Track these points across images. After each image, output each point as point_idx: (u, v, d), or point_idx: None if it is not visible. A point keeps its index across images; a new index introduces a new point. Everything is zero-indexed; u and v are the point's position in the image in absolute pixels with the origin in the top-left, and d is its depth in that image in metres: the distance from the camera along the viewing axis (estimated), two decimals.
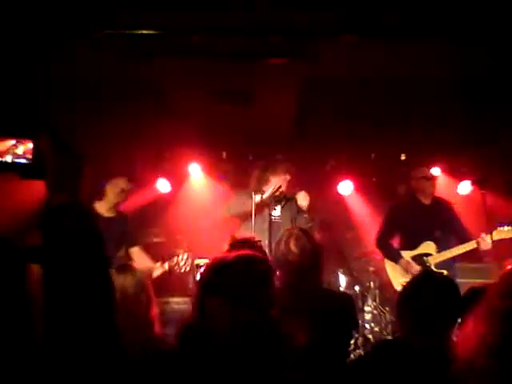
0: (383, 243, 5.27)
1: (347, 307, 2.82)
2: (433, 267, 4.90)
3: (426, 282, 2.30)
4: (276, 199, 4.81)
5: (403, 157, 6.64)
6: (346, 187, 6.87)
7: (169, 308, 5.93)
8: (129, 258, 4.83)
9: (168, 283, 5.94)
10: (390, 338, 5.63)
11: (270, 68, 4.03)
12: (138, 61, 3.80)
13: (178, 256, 4.69)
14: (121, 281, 2.77)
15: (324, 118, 5.68)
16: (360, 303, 5.91)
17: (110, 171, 6.61)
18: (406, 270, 5.00)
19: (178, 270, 4.68)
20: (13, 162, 1.32)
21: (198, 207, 6.71)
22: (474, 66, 4.30)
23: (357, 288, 6.03)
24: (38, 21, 3.21)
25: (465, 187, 6.45)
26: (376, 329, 5.85)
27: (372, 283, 6.07)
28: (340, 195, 6.93)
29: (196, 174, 6.80)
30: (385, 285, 6.25)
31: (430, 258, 4.99)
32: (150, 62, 3.85)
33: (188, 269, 4.70)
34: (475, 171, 6.13)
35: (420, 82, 4.86)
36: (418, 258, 5.02)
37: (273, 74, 4.25)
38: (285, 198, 4.86)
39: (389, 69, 4.42)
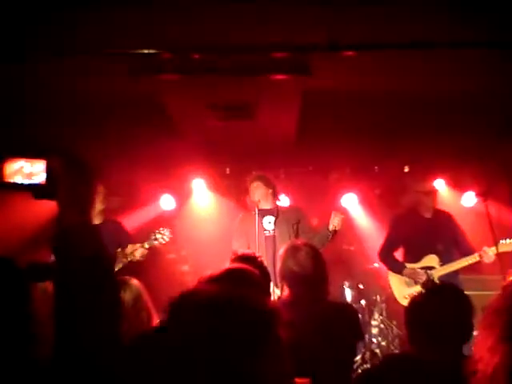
0: (386, 256, 5.30)
1: (351, 318, 2.80)
2: (436, 280, 4.87)
3: (436, 294, 2.26)
4: (263, 213, 4.80)
5: (406, 169, 6.64)
6: (349, 200, 6.87)
7: None
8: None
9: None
10: (397, 352, 5.58)
11: (271, 83, 4.05)
12: (139, 78, 3.82)
13: (157, 232, 4.82)
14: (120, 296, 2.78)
15: (326, 132, 5.70)
16: (366, 317, 5.86)
17: (112, 188, 6.67)
18: (413, 279, 5.04)
19: (158, 244, 4.75)
20: (24, 183, 1.31)
21: (203, 223, 6.71)
22: (473, 78, 4.32)
23: (363, 302, 5.99)
24: (39, 36, 3.25)
25: (469, 199, 6.45)
26: (383, 343, 5.79)
27: (378, 297, 6.03)
28: (343, 208, 6.92)
29: (200, 189, 6.81)
30: (391, 298, 6.22)
31: (433, 272, 4.98)
32: (150, 79, 3.88)
33: (167, 239, 4.87)
34: (479, 183, 6.12)
35: (422, 94, 4.88)
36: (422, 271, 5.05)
37: (274, 89, 4.27)
38: (277, 212, 4.84)
39: (391, 81, 4.45)
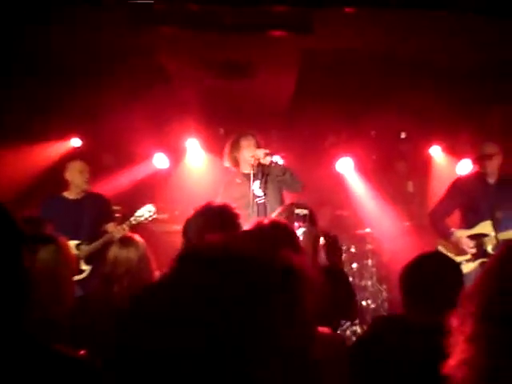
0: (437, 219, 4.80)
1: (339, 279, 2.78)
2: (489, 249, 4.49)
3: (428, 258, 2.28)
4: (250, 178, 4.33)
5: (403, 135, 6.58)
6: (344, 164, 6.83)
7: None
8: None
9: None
10: (385, 314, 5.67)
11: (270, 41, 3.95)
12: (135, 28, 3.70)
13: (141, 208, 4.60)
14: (124, 253, 2.82)
15: (324, 94, 5.61)
16: (357, 280, 5.92)
17: (106, 144, 6.60)
18: (457, 247, 4.56)
19: (145, 221, 4.60)
20: None
21: (196, 182, 6.67)
22: (475, 37, 4.22)
23: (354, 265, 6.03)
24: None
25: (465, 166, 6.39)
26: (372, 306, 5.88)
27: (370, 261, 6.08)
28: (338, 172, 6.89)
29: (194, 149, 6.75)
30: (382, 263, 6.27)
31: (487, 239, 4.53)
32: (147, 30, 3.76)
33: (154, 216, 4.63)
34: (475, 150, 6.08)
35: (421, 56, 4.80)
36: (475, 238, 4.59)
37: (273, 47, 4.16)
38: (262, 174, 4.35)
39: (391, 42, 4.34)
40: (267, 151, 4.27)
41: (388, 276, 6.06)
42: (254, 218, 4.27)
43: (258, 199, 4.37)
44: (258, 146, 4.39)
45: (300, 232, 2.67)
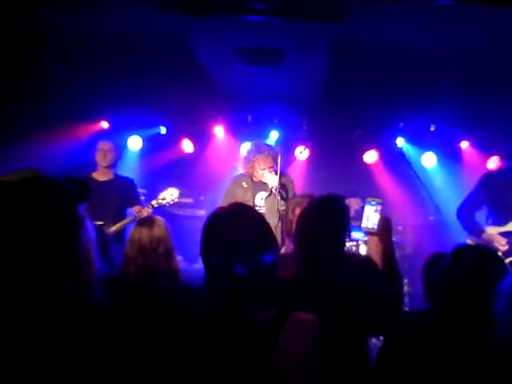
0: (465, 215, 4.61)
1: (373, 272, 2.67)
2: None
3: (458, 253, 2.16)
4: (258, 187, 4.53)
5: (433, 128, 6.48)
6: (372, 157, 6.78)
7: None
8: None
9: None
10: (406, 309, 5.62)
11: (301, 28, 3.91)
12: (164, 16, 3.71)
13: (164, 191, 4.64)
14: (137, 233, 2.84)
15: (353, 85, 5.56)
16: None
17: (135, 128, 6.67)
18: (488, 244, 4.27)
19: (167, 204, 4.63)
20: None
21: (222, 169, 6.71)
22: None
23: None
24: None
25: (494, 162, 6.27)
26: None
27: None
28: (366, 164, 6.84)
29: (220, 136, 6.78)
30: (405, 256, 6.21)
31: None
32: (178, 17, 3.77)
33: (176, 200, 4.66)
34: (505, 145, 5.95)
35: (453, 50, 4.71)
36: (507, 236, 4.41)
37: (304, 35, 4.13)
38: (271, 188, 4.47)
39: (416, 33, 4.25)
40: (275, 184, 4.33)
41: (410, 270, 6.01)
42: None
43: (256, 208, 4.42)
44: (274, 162, 4.43)
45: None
